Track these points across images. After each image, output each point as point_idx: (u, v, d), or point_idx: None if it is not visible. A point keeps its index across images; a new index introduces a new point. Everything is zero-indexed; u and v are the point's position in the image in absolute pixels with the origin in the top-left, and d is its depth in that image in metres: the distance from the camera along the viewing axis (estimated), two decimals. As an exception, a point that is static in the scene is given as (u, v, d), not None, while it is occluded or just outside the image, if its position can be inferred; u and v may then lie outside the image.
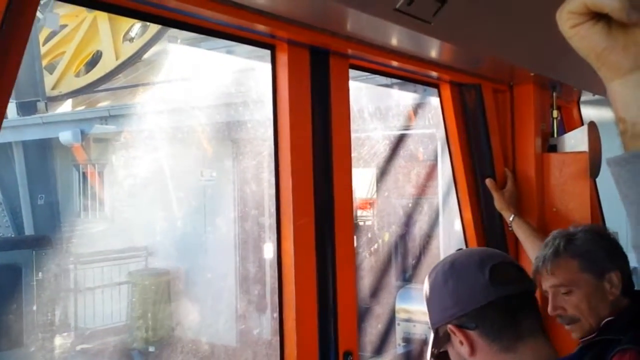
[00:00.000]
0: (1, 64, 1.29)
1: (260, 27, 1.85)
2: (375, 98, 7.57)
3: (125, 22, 10.59)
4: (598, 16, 0.77)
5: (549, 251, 2.02)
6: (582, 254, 1.99)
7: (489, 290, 1.40)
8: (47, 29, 10.51)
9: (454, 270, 1.47)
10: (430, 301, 1.53)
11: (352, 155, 2.25)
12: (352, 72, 2.23)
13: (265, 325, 8.71)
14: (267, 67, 2.05)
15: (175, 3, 1.64)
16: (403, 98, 7.73)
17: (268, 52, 2.01)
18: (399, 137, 8.34)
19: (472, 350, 1.42)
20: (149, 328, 9.10)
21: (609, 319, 1.92)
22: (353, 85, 2.27)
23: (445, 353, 1.52)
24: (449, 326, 1.44)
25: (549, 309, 2.00)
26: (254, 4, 1.72)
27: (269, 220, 8.81)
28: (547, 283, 2.02)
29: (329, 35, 2.00)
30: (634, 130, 0.78)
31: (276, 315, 2.02)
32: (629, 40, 0.77)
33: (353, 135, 2.27)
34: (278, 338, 1.96)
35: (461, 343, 1.44)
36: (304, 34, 1.93)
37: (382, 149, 8.37)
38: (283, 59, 1.97)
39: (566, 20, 0.79)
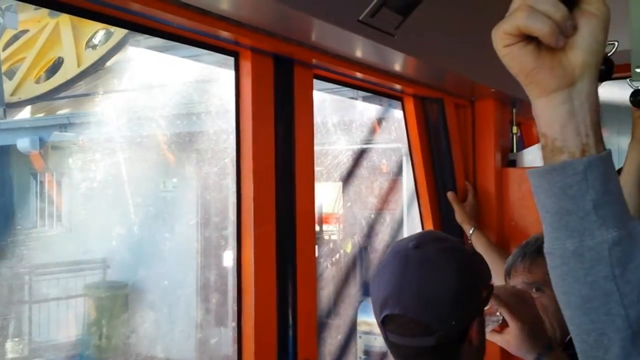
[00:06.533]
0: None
1: (224, 34, 1.85)
2: (339, 110, 7.60)
3: (88, 28, 10.44)
4: (529, 38, 0.83)
5: (531, 249, 2.02)
6: None
7: (382, 330, 1.45)
8: (7, 33, 10.31)
9: (372, 282, 1.49)
10: None
11: (317, 168, 2.25)
12: (323, 85, 2.23)
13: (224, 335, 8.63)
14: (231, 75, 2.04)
15: (139, 7, 1.62)
16: (367, 110, 7.78)
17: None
18: (362, 150, 8.38)
19: None
20: (102, 336, 8.91)
21: None
22: (317, 96, 2.27)
23: None
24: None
25: None
26: (218, 10, 1.71)
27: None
28: (519, 279, 2.02)
29: (293, 44, 2.00)
30: (554, 146, 0.85)
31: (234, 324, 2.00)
32: (555, 62, 0.84)
33: (317, 148, 2.27)
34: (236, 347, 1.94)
35: None
36: (268, 42, 1.93)
37: (347, 161, 8.40)
38: (246, 66, 1.97)
39: (500, 40, 0.84)
